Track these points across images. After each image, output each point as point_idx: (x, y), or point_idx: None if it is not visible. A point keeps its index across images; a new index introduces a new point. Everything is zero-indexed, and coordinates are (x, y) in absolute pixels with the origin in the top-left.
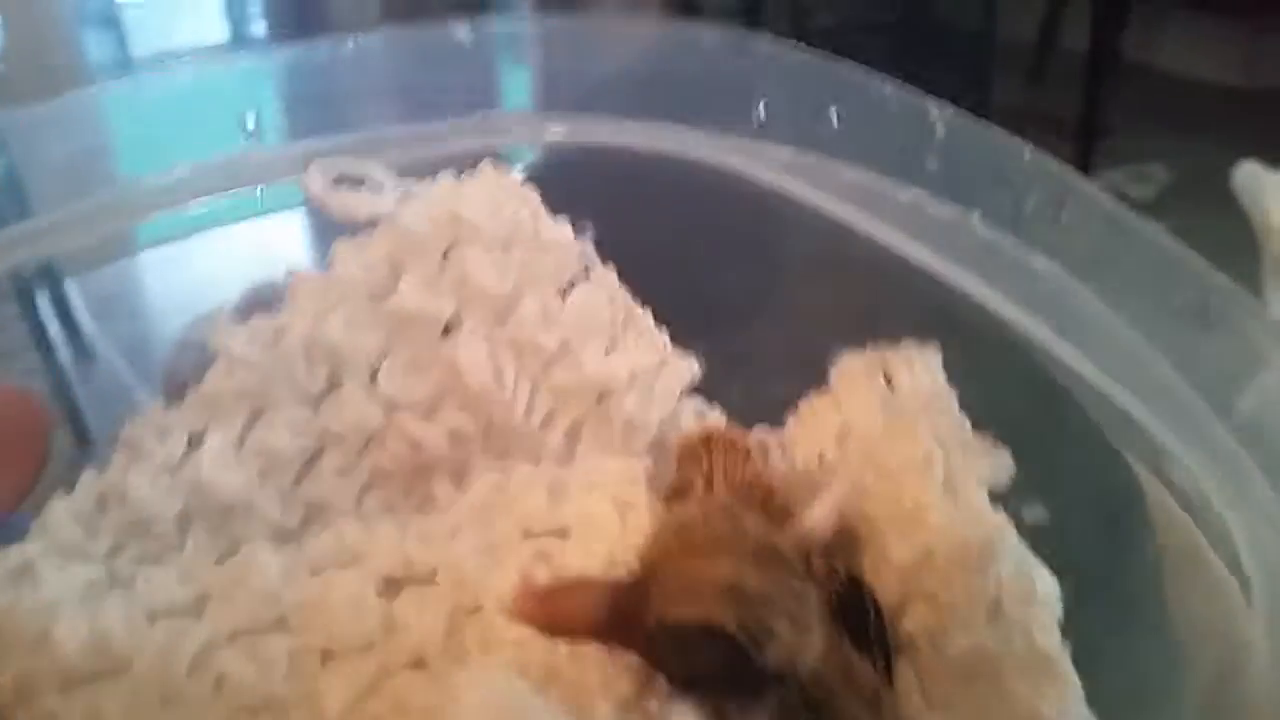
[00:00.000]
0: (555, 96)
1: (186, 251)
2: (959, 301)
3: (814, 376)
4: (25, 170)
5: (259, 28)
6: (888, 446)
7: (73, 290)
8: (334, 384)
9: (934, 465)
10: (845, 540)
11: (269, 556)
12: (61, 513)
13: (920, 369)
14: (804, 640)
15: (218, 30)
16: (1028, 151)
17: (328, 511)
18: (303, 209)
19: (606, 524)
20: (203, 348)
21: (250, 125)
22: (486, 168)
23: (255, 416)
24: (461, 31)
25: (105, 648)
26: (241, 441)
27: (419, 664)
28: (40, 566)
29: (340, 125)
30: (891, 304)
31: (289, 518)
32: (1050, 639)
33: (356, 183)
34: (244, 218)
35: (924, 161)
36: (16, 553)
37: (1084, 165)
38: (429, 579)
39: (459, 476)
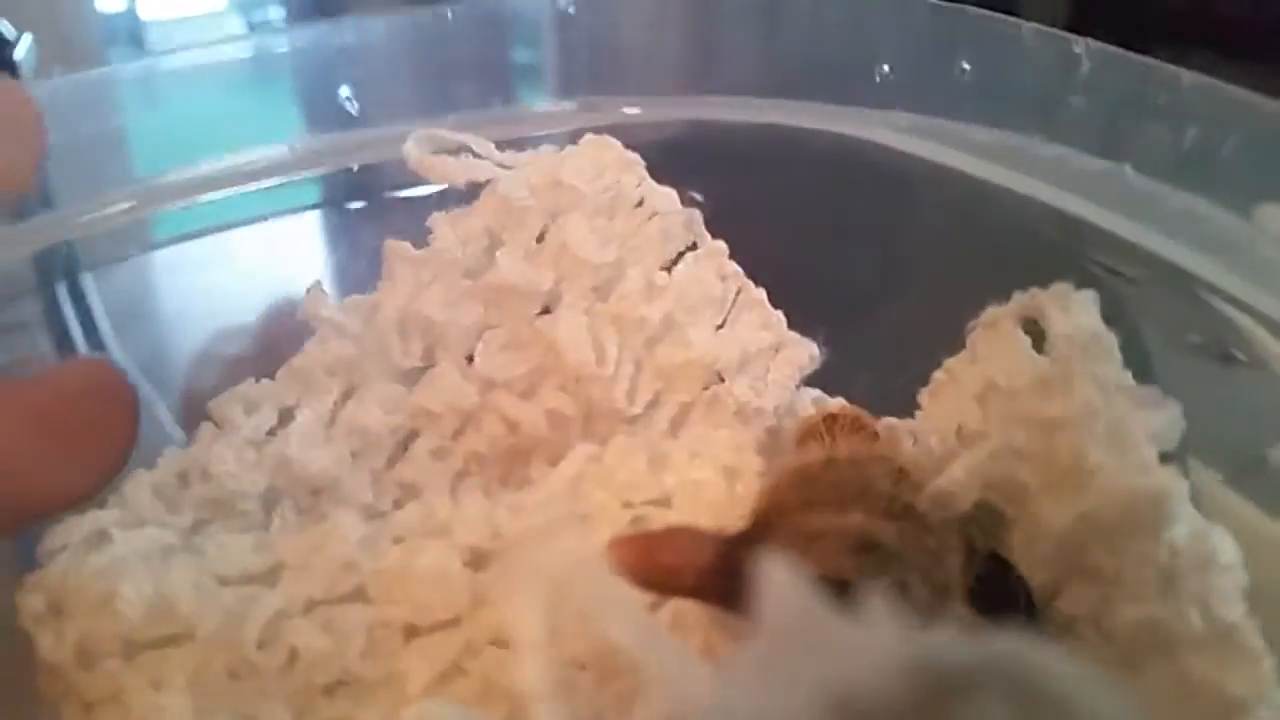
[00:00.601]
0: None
1: (200, 256)
2: (1117, 253)
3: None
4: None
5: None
6: (1041, 398)
7: (91, 293)
8: (429, 361)
9: (1095, 417)
10: (988, 515)
11: (351, 523)
12: (142, 486)
13: (1077, 310)
14: (942, 604)
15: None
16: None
17: (421, 495)
18: (318, 211)
19: (712, 492)
20: (223, 362)
21: (346, 96)
22: (589, 137)
23: (348, 393)
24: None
25: (170, 611)
26: (333, 418)
27: (506, 641)
28: (114, 534)
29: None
30: (1039, 272)
31: (381, 500)
32: (1234, 610)
33: (455, 152)
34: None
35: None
36: (90, 520)
37: None
38: None
39: (557, 461)
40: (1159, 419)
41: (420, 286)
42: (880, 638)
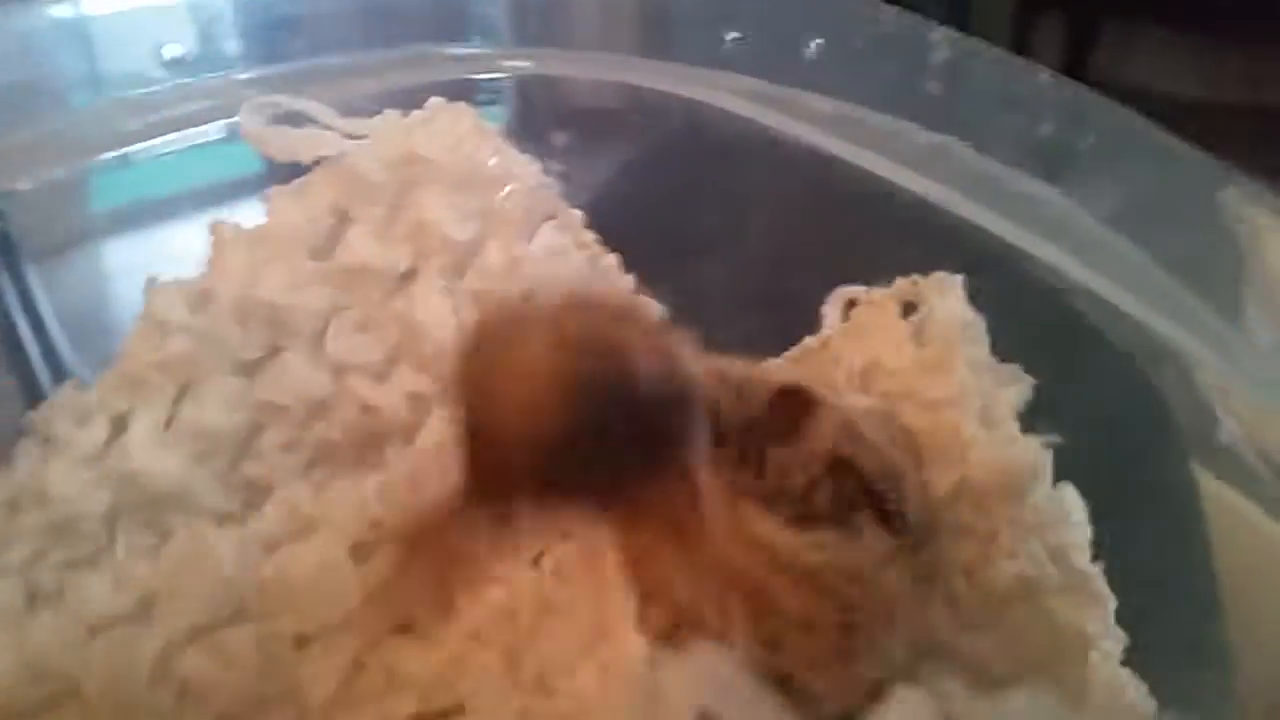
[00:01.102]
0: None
1: (149, 254)
2: (945, 228)
3: (781, 313)
4: None
5: None
6: (923, 379)
7: (39, 293)
8: (273, 350)
9: (971, 396)
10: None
11: (215, 539)
12: None
13: (951, 298)
14: None
15: None
16: (1044, 74)
17: (271, 491)
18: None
19: None
20: None
21: (171, 55)
22: (437, 102)
23: (183, 392)
24: None
25: (44, 674)
26: (170, 422)
27: (406, 629)
28: None
29: (276, 56)
30: (864, 235)
31: (230, 502)
32: (1084, 559)
33: (297, 121)
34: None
35: (924, 88)
36: None
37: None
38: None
39: (412, 440)
40: (1019, 394)
41: (258, 267)
42: None
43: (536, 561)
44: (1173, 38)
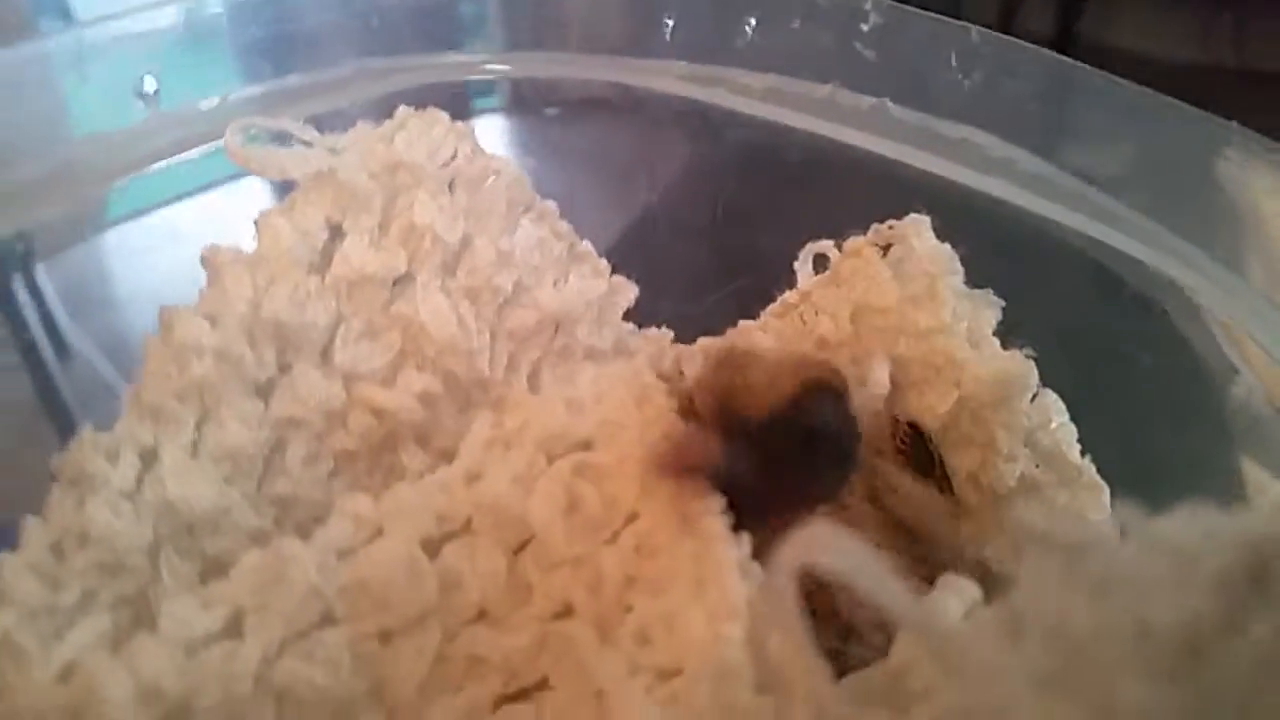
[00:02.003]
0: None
1: (150, 233)
2: (894, 178)
3: (753, 278)
4: None
5: None
6: (914, 312)
7: (43, 279)
8: (284, 367)
9: (959, 322)
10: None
11: (298, 549)
12: (17, 570)
13: (925, 236)
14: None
15: None
16: (974, 33)
17: (297, 505)
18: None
19: (630, 421)
20: None
21: (149, 89)
22: (405, 110)
23: (205, 417)
24: None
25: (159, 698)
26: (195, 448)
27: (482, 616)
28: (20, 637)
29: (252, 78)
30: (820, 195)
31: (263, 519)
32: (1075, 452)
33: (281, 140)
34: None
35: (857, 53)
36: None
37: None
38: (466, 529)
39: (424, 440)
40: (993, 316)
41: (262, 288)
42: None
43: (613, 540)
44: (1161, 1)
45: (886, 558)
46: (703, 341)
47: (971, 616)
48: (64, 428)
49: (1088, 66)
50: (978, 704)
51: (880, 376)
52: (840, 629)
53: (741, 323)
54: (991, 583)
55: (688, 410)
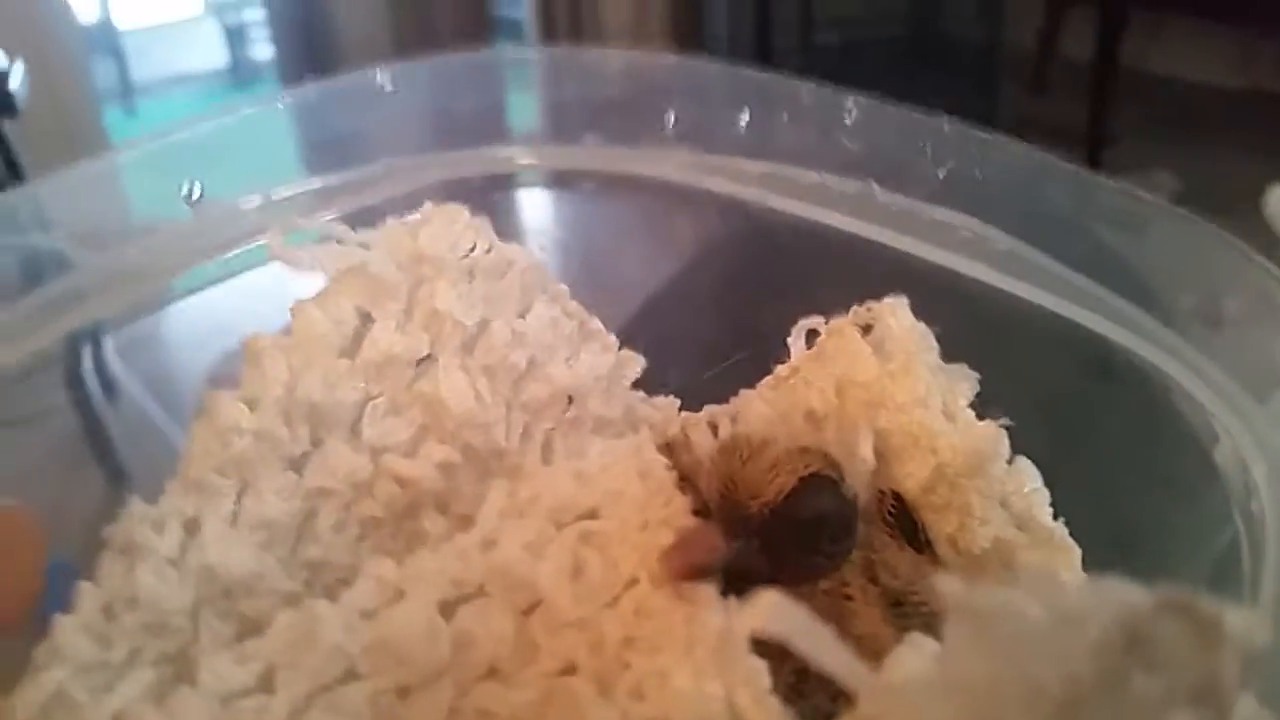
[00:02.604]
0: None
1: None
2: (877, 259)
3: (750, 350)
4: None
5: (262, 50)
6: (892, 386)
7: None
8: (316, 442)
9: (934, 395)
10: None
11: (326, 610)
12: (72, 630)
13: (902, 315)
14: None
15: (216, 56)
16: (946, 124)
17: (326, 569)
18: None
19: (632, 493)
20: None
21: (193, 193)
22: (428, 207)
23: (243, 490)
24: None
25: None
26: (235, 518)
27: (492, 673)
28: (73, 690)
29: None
30: (811, 273)
31: (294, 583)
32: (1047, 517)
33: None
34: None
35: (840, 145)
36: (44, 681)
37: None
38: (480, 592)
39: (444, 507)
40: (969, 388)
41: (297, 371)
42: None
43: (613, 604)
44: (1204, 27)
45: (878, 626)
46: (708, 409)
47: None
48: (113, 466)
49: (1053, 158)
50: None
51: (866, 451)
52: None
53: (742, 391)
54: None
55: (687, 483)
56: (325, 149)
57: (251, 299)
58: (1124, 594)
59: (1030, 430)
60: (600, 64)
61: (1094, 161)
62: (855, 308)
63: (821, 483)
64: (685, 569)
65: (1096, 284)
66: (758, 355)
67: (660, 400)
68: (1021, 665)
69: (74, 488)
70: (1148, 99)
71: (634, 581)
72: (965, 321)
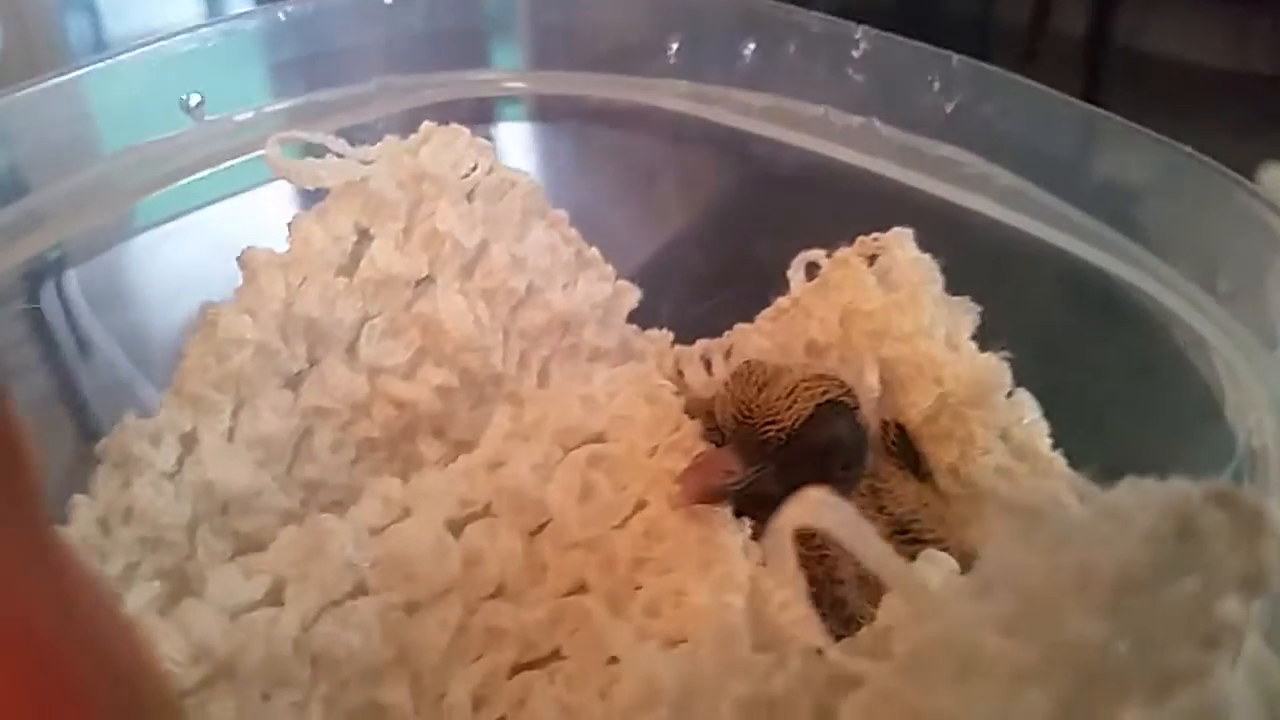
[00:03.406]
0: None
1: (169, 237)
2: (878, 193)
3: (749, 283)
4: None
5: (240, 4)
6: (898, 316)
7: (68, 275)
8: (313, 360)
9: (939, 326)
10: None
11: (335, 525)
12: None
13: (908, 247)
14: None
15: (192, 11)
16: (955, 59)
17: (323, 489)
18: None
19: (640, 417)
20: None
21: (194, 102)
22: (427, 126)
23: (240, 406)
24: None
25: (209, 655)
26: (232, 434)
27: (499, 592)
28: None
29: (286, 93)
30: (811, 206)
31: (292, 500)
32: (1047, 447)
33: (316, 152)
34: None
35: (848, 78)
36: None
37: None
38: (487, 511)
39: (440, 431)
40: (971, 321)
41: (294, 287)
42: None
43: (623, 525)
44: (1197, 5)
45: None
46: (701, 343)
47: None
48: (86, 422)
49: (1057, 93)
50: (951, 647)
51: (872, 380)
52: (832, 603)
53: (738, 325)
54: (969, 564)
55: (695, 410)
56: (318, 64)
57: (241, 224)
58: (1168, 489)
59: (1029, 363)
60: None
61: None
62: (861, 238)
63: (838, 408)
64: (701, 491)
65: (1099, 221)
66: (755, 288)
67: (654, 333)
68: (1072, 556)
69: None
70: (1139, 76)
71: (643, 504)
72: (967, 255)
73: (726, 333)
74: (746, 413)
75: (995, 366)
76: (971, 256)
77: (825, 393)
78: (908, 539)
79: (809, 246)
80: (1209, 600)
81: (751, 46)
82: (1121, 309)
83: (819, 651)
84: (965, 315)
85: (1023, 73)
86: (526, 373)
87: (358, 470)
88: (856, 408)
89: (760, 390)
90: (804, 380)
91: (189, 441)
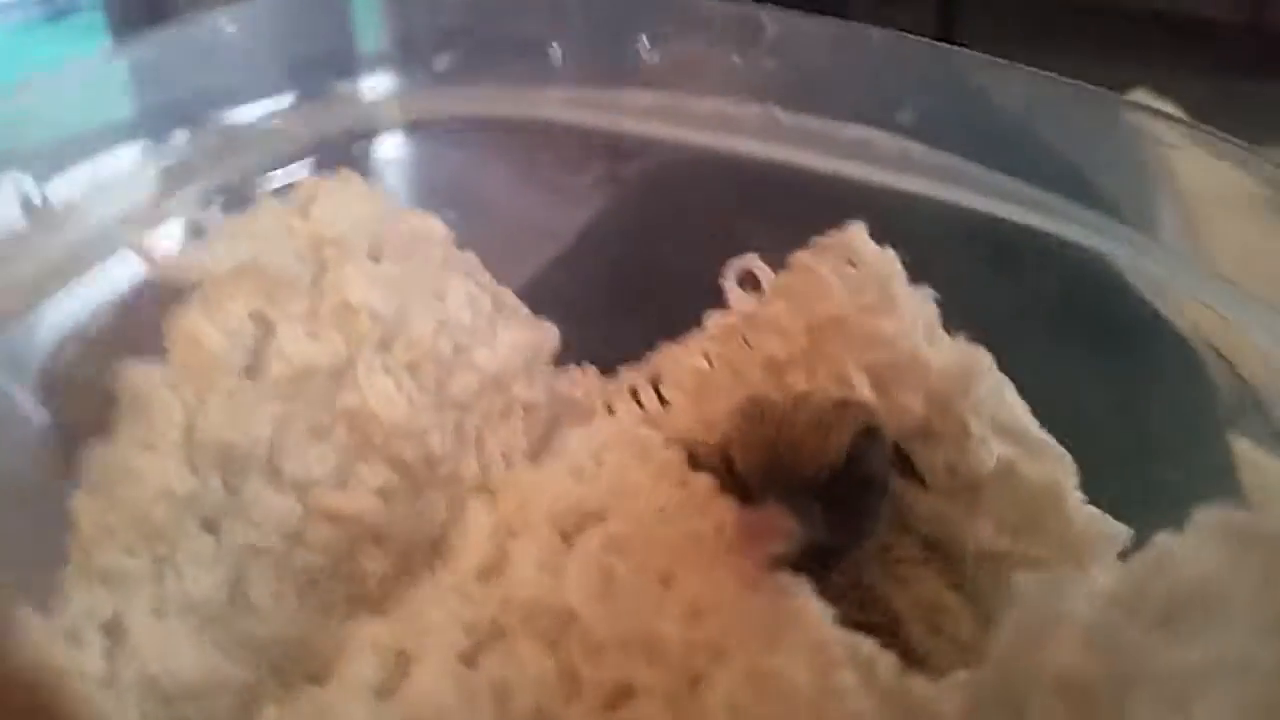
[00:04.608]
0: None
1: None
2: (806, 186)
3: (677, 299)
4: None
5: None
6: (874, 320)
7: None
8: (231, 489)
9: (917, 322)
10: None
11: (334, 695)
12: None
13: (867, 243)
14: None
15: None
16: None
17: (274, 646)
18: None
19: (635, 479)
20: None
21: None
22: (310, 182)
23: (160, 568)
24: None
25: None
26: (161, 608)
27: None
28: None
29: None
30: (727, 210)
31: (245, 672)
32: (1032, 422)
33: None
34: None
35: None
36: None
37: None
38: (498, 631)
39: (380, 539)
40: (933, 310)
41: (190, 410)
42: None
43: (659, 610)
44: None
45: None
46: (626, 374)
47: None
48: None
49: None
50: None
51: (864, 393)
52: (904, 650)
53: (663, 346)
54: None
55: (698, 462)
56: (166, 112)
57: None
58: None
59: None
60: None
61: None
62: (816, 239)
63: (873, 432)
64: (766, 561)
65: (1022, 182)
66: (668, 305)
67: (576, 373)
68: None
69: None
70: (994, 8)
71: (669, 580)
72: (902, 240)
73: (652, 355)
74: (778, 456)
75: (975, 353)
76: (910, 239)
77: (856, 417)
78: (939, 555)
79: (729, 254)
80: None
81: (644, 42)
82: (1047, 259)
83: None
84: (928, 305)
85: (879, 12)
86: (465, 449)
87: (303, 614)
88: (885, 431)
89: (782, 428)
90: (827, 408)
91: (114, 630)
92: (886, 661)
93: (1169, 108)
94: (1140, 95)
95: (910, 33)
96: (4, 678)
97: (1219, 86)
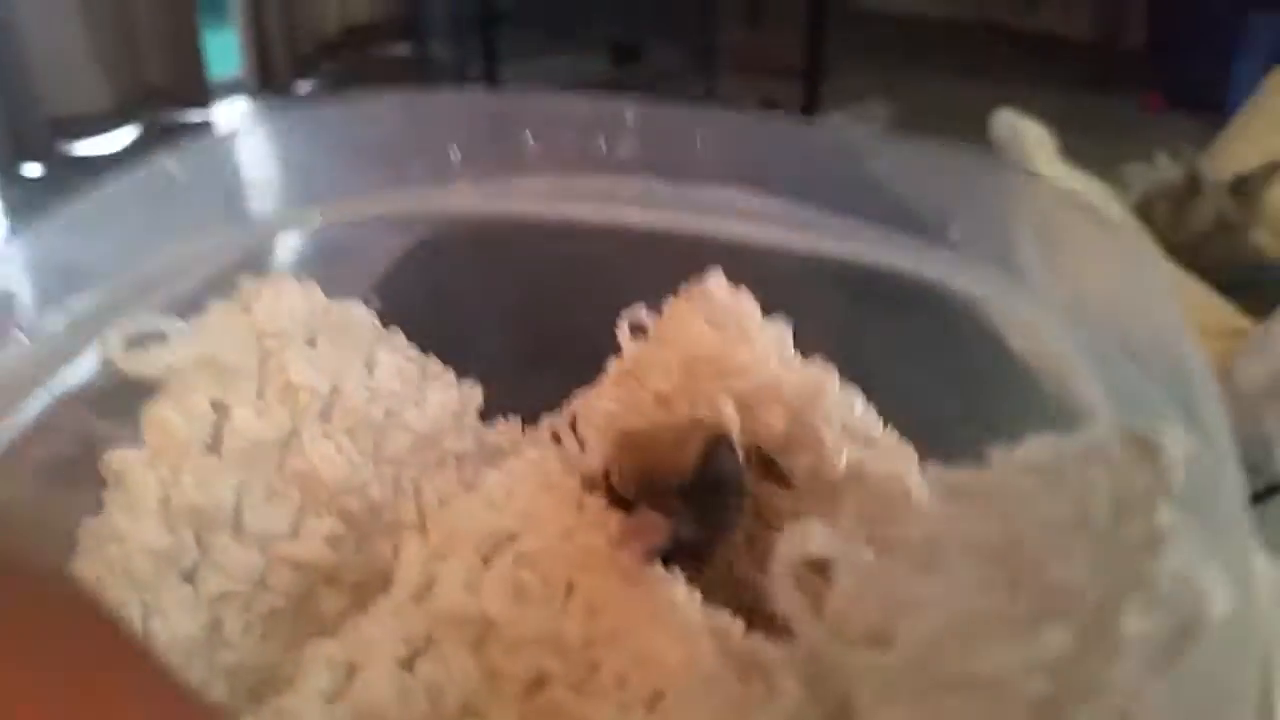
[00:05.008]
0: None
1: None
2: (668, 246)
3: (586, 356)
4: None
5: None
6: (735, 352)
7: None
8: (203, 547)
9: (771, 351)
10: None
11: (296, 703)
12: None
13: (722, 286)
14: None
15: None
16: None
17: (241, 671)
18: None
19: (542, 506)
20: None
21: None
22: (250, 285)
23: (147, 615)
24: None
25: None
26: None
27: (467, 711)
28: None
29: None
30: (612, 272)
31: (218, 694)
32: (879, 428)
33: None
34: None
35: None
36: None
37: (811, 107)
38: (430, 641)
39: (333, 579)
40: (788, 337)
41: (166, 483)
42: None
43: (563, 611)
44: None
45: None
46: (546, 421)
47: None
48: None
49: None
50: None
51: (730, 413)
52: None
53: (577, 394)
54: None
55: (592, 486)
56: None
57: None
58: (1070, 441)
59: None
60: (377, 111)
61: (813, 94)
62: (683, 288)
63: (722, 441)
64: (645, 553)
65: (866, 223)
66: (581, 358)
67: (502, 425)
68: (1021, 512)
69: None
70: (861, 31)
71: (571, 587)
72: (755, 281)
73: (568, 403)
74: (646, 471)
75: (822, 372)
76: (758, 281)
77: (707, 432)
78: None
79: (623, 307)
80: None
81: (529, 136)
82: (899, 296)
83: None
84: (782, 333)
85: (748, 37)
86: (403, 497)
87: (270, 646)
88: (733, 439)
89: (648, 449)
90: (684, 427)
91: None
92: (737, 630)
93: (1032, 124)
94: (1005, 115)
95: (780, 55)
96: None
97: (1075, 100)
